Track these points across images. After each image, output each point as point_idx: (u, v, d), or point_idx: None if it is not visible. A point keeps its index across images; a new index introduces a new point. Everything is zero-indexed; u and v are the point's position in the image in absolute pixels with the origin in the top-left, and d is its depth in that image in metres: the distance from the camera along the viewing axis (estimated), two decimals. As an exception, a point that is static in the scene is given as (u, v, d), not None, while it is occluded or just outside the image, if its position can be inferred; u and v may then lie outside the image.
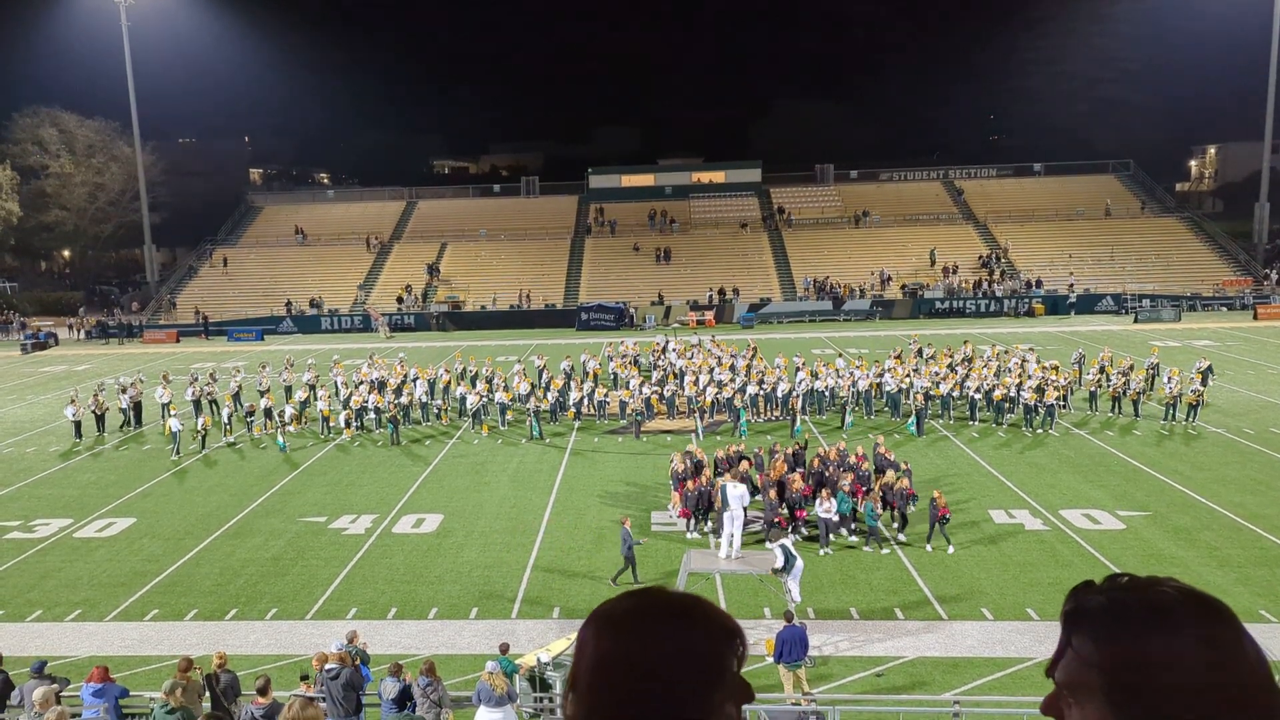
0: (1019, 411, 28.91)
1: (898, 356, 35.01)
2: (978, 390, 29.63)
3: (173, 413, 29.28)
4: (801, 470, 20.99)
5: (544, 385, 32.44)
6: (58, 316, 67.04)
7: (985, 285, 59.37)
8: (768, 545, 17.41)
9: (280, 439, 28.13)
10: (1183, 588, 1.28)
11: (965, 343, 37.64)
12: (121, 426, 31.62)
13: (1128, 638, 1.23)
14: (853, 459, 21.48)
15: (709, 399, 29.65)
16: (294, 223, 72.72)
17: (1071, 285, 58.39)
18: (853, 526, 19.65)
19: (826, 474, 20.71)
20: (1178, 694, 1.19)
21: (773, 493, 19.64)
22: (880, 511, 19.42)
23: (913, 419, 28.35)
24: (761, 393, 30.92)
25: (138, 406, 32.33)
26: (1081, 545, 18.88)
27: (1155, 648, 1.22)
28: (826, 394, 31.13)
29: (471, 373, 34.36)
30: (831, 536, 18.97)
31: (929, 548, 18.82)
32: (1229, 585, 16.55)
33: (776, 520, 18.95)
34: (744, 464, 20.74)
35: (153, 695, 12.39)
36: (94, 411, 31.27)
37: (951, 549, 18.62)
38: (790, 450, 22.62)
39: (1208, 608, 1.25)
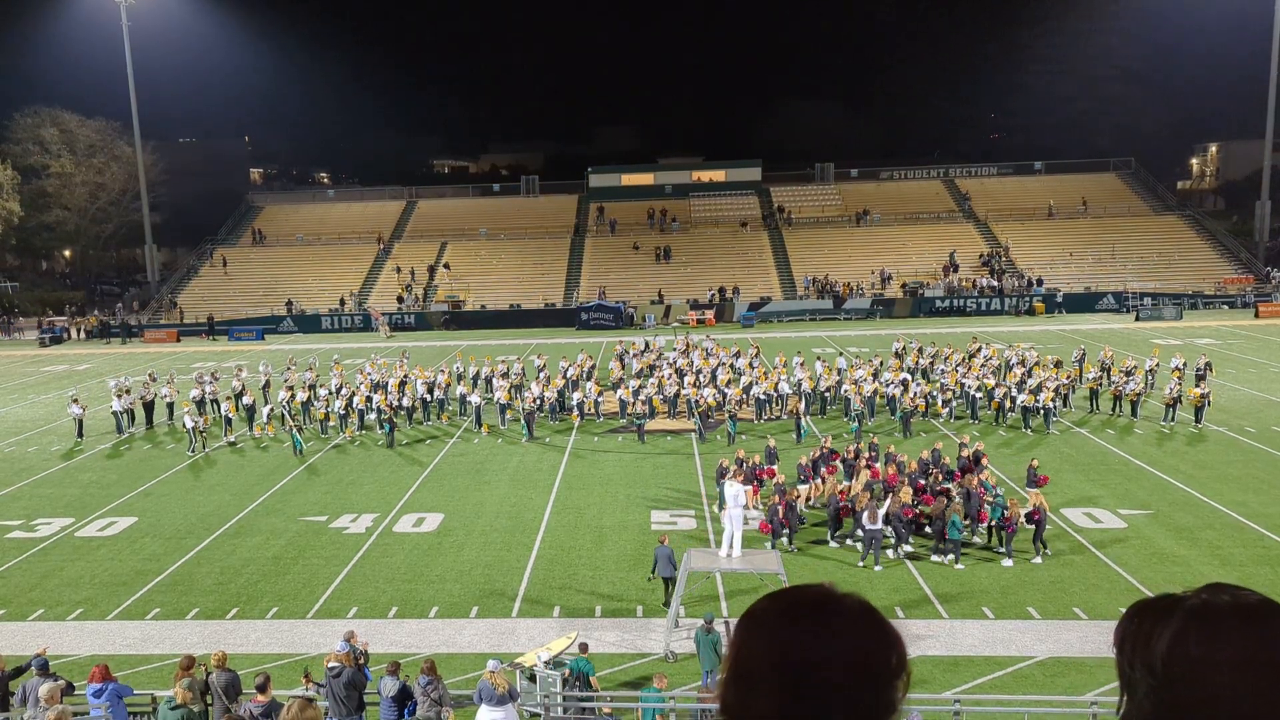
0: (1019, 411, 28.89)
1: (898, 354, 35.00)
2: (978, 389, 29.64)
3: (185, 409, 29.60)
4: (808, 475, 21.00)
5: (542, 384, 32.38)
6: (68, 317, 67.05)
7: (994, 282, 59.28)
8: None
9: (297, 436, 28.01)
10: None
11: (973, 339, 37.66)
12: (116, 429, 31.49)
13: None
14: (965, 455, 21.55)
15: (710, 399, 29.60)
16: (293, 223, 72.75)
17: (1040, 281, 58.52)
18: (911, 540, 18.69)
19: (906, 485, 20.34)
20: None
21: (776, 497, 19.58)
22: (966, 522, 18.44)
23: (899, 414, 28.61)
24: (763, 393, 30.85)
25: (149, 406, 32.32)
26: (1083, 544, 18.87)
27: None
28: (828, 394, 31.09)
29: (474, 373, 34.37)
30: (873, 550, 18.14)
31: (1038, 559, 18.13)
32: (1230, 584, 16.50)
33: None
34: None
35: (156, 694, 12.42)
36: (126, 409, 31.32)
37: (1038, 559, 17.99)
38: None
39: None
